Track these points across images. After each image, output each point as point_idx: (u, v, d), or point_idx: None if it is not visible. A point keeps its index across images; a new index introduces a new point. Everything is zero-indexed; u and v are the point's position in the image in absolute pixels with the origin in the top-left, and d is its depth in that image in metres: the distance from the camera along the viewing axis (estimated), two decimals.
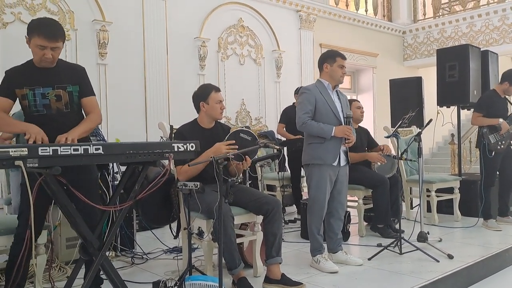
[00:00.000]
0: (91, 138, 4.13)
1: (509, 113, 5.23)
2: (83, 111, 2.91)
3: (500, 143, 5.03)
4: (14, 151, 2.00)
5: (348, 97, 4.16)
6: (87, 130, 2.81)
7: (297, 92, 6.24)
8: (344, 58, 3.82)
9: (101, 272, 2.82)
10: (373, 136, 5.42)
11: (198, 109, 3.58)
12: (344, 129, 3.64)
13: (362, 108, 5.05)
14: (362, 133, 5.07)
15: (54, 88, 2.74)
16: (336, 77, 3.76)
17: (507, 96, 5.31)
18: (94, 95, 2.95)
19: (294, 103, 6.23)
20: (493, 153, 5.04)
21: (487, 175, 5.16)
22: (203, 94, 3.54)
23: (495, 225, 5.08)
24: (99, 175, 3.60)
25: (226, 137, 3.34)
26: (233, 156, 2.97)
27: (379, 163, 4.73)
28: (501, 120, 5.02)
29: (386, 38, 11.39)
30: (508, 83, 5.12)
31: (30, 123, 2.68)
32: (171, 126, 3.73)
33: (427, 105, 7.15)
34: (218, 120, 3.66)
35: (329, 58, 3.78)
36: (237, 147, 3.20)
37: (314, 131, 3.67)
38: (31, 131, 2.54)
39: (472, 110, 5.63)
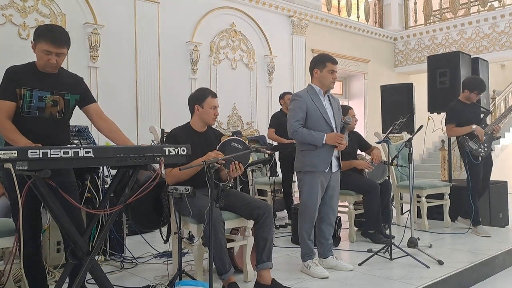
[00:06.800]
0: (81, 141, 4.13)
1: (481, 117, 5.28)
2: (91, 118, 2.96)
3: (482, 146, 5.05)
4: (3, 154, 1.98)
5: (342, 103, 4.16)
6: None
7: (281, 97, 6.24)
8: (335, 62, 3.74)
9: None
10: None
11: (192, 111, 3.57)
12: (335, 137, 3.62)
13: (355, 115, 5.07)
14: (353, 137, 5.07)
15: (52, 93, 2.75)
16: (326, 83, 3.72)
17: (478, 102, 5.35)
18: (96, 101, 3.01)
19: (281, 108, 6.23)
20: (480, 158, 5.06)
21: (474, 182, 5.15)
22: (199, 97, 3.53)
23: (485, 231, 5.10)
24: (88, 178, 3.59)
25: (218, 146, 3.32)
26: (223, 162, 2.96)
27: (366, 170, 4.75)
28: (474, 126, 5.02)
29: (378, 45, 11.45)
30: (468, 90, 5.16)
31: (18, 123, 2.66)
32: (163, 130, 3.72)
33: (418, 111, 7.17)
34: (210, 125, 3.66)
35: (319, 63, 3.73)
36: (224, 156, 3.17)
37: (306, 139, 3.64)
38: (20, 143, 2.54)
39: None
